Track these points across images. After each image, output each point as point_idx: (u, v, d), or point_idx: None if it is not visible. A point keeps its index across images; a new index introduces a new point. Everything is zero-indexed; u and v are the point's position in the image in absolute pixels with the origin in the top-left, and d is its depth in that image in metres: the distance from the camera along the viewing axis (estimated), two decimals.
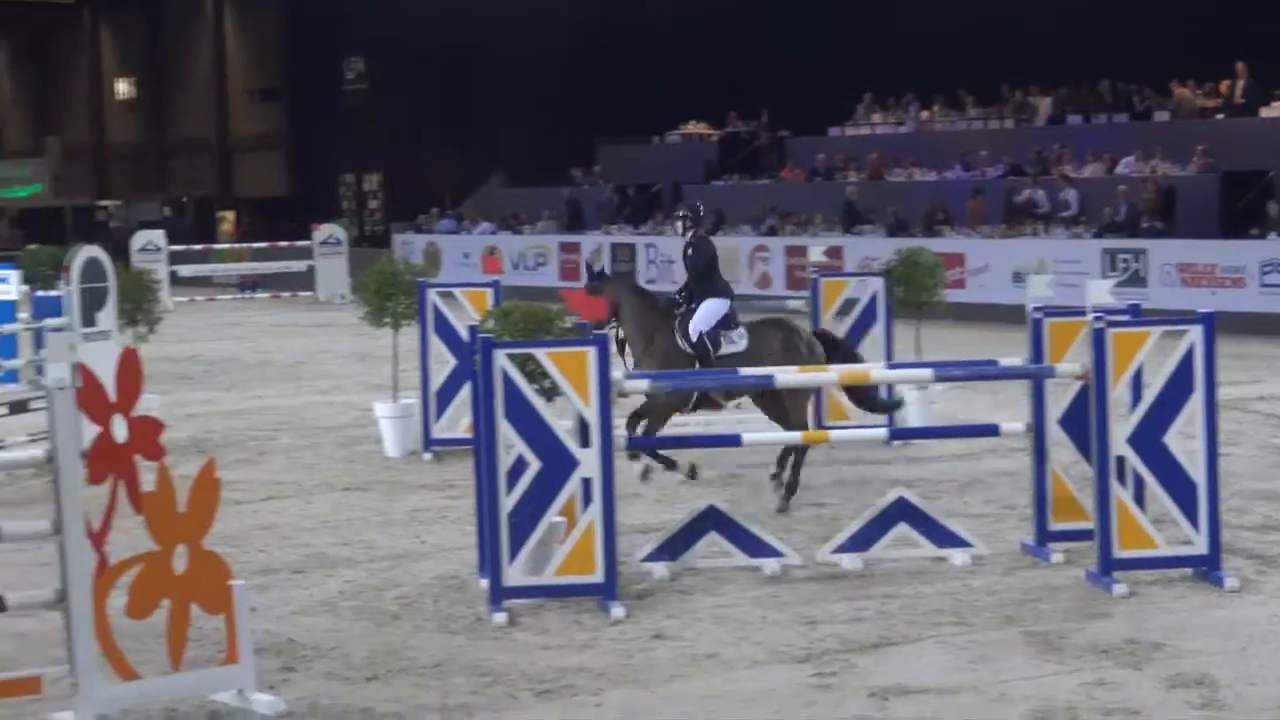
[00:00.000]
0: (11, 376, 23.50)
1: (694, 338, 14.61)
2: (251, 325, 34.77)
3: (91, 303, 17.83)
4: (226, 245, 48.61)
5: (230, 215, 58.47)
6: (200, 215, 57.86)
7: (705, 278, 14.91)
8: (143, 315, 18.64)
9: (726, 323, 14.71)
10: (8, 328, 22.29)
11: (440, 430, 17.04)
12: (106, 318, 17.93)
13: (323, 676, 9.78)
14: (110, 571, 8.72)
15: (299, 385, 23.93)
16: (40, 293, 23.66)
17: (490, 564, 11.00)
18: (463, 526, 13.33)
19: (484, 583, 11.23)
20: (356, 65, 54.97)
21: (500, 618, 10.78)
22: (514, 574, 10.92)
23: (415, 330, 17.21)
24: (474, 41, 49.37)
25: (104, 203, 62.94)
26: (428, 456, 16.90)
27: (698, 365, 14.52)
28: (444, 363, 17.05)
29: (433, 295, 17.15)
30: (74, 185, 62.36)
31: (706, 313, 14.69)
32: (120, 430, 8.80)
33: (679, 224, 15.38)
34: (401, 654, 10.17)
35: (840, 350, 14.87)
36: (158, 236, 40.12)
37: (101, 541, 8.70)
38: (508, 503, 10.88)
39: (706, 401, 14.84)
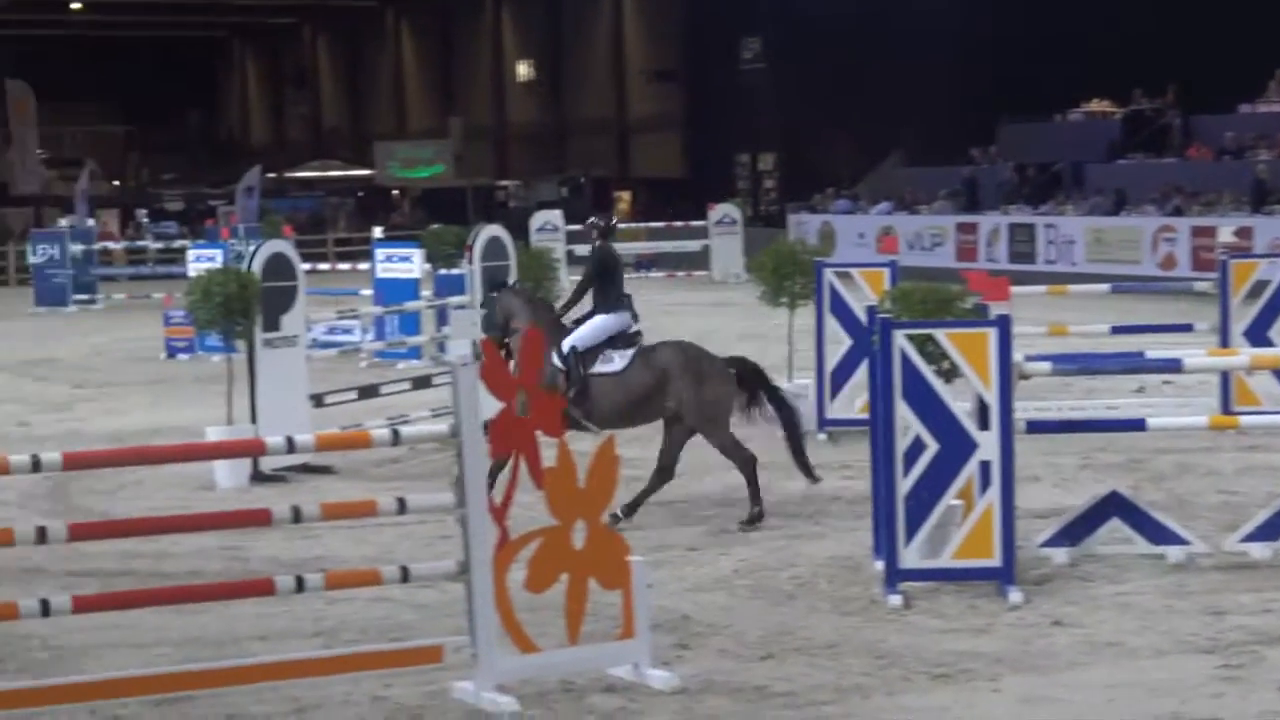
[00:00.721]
0: (415, 353, 24.19)
1: (564, 351, 13.75)
2: (646, 304, 34.71)
3: (493, 281, 18.22)
4: (623, 224, 49.16)
5: (626, 195, 59.18)
6: (597, 195, 58.62)
7: (598, 290, 14.10)
8: (543, 294, 18.92)
9: (614, 341, 13.82)
10: (411, 305, 22.93)
11: (835, 411, 16.95)
12: None
13: (717, 654, 9.79)
14: (511, 545, 8.85)
15: None
16: (442, 271, 24.30)
17: (886, 546, 10.89)
18: (858, 508, 13.21)
19: (879, 564, 11.12)
20: (754, 45, 55.07)
21: (895, 600, 10.66)
22: (910, 556, 10.79)
23: (810, 310, 17.13)
24: (871, 20, 49.05)
25: (503, 183, 64.30)
26: (822, 437, 16.82)
27: (564, 382, 13.57)
28: (839, 343, 16.94)
29: (829, 275, 17.05)
30: (475, 166, 63.76)
31: (590, 328, 13.88)
32: (521, 406, 8.92)
33: (591, 233, 14.64)
34: (796, 633, 10.12)
35: (752, 376, 13.78)
36: (555, 216, 40.82)
37: (503, 515, 8.83)
38: (904, 485, 10.75)
39: (575, 423, 13.60)
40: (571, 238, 40.46)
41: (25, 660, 9.97)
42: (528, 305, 14.31)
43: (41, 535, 8.54)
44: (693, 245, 41.49)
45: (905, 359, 10.72)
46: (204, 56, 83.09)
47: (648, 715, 8.75)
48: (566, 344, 13.75)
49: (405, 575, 9.07)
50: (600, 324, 13.87)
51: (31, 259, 39.47)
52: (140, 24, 76.20)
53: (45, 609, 8.43)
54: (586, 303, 14.20)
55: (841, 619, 10.47)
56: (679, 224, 43.36)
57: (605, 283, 14.14)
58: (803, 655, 9.70)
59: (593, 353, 13.74)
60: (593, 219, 14.92)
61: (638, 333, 13.98)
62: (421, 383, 18.12)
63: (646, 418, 13.77)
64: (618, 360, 13.67)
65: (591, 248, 14.53)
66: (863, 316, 15.68)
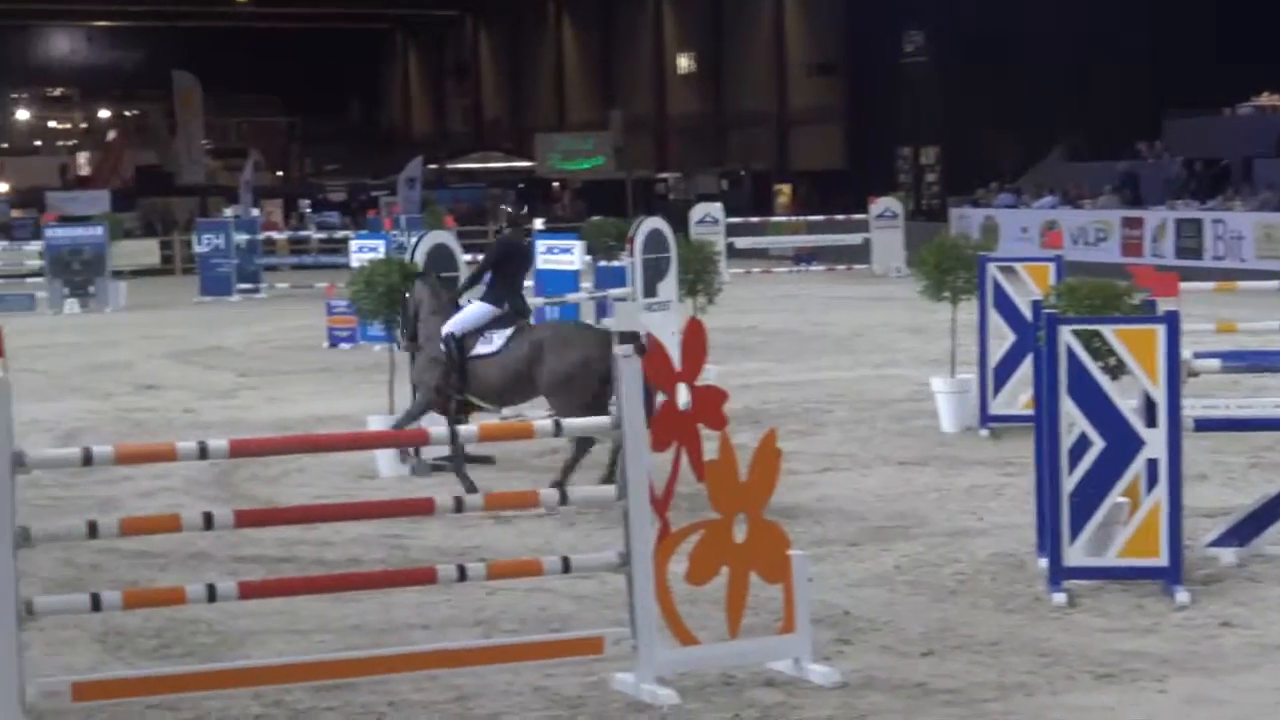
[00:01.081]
0: None
1: (443, 336, 14.18)
2: (806, 298, 35.00)
3: (653, 273, 18.23)
4: (783, 218, 49.08)
5: (787, 188, 59.01)
6: (757, 188, 58.57)
7: (492, 278, 14.38)
8: (703, 286, 18.92)
9: (497, 322, 14.15)
10: (572, 297, 22.95)
11: (998, 406, 16.78)
12: (667, 288, 18.31)
13: (878, 650, 9.72)
14: (672, 537, 8.84)
15: (854, 358, 23.94)
16: (603, 263, 24.32)
17: (1050, 543, 10.76)
18: (1021, 505, 13.07)
19: (1043, 562, 10.99)
20: (915, 38, 54.71)
21: (1059, 598, 10.52)
22: (1074, 554, 10.65)
23: (973, 305, 16.98)
24: (1034, 12, 48.53)
25: (663, 175, 64.37)
26: (984, 433, 16.66)
27: (446, 366, 14.13)
28: (1002, 338, 16.77)
29: (993, 270, 16.88)
30: (635, 158, 63.86)
31: (464, 315, 14.22)
32: (684, 399, 8.90)
33: (501, 220, 14.88)
34: (958, 631, 10.03)
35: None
36: (716, 209, 40.78)
37: (664, 508, 8.82)
38: (1069, 482, 10.61)
39: (470, 405, 14.30)
40: (731, 230, 40.47)
41: (191, 644, 10.10)
42: (432, 294, 14.65)
43: (208, 521, 8.64)
44: (853, 239, 41.34)
45: (1071, 355, 10.59)
46: (367, 48, 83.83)
47: (808, 710, 8.69)
48: (444, 330, 14.17)
49: (566, 566, 9.09)
50: (478, 311, 14.18)
51: (197, 248, 40.05)
52: (305, 16, 77.15)
53: (211, 594, 8.53)
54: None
55: (1004, 616, 10.36)
56: (839, 217, 43.18)
57: (499, 273, 14.41)
58: (964, 652, 9.61)
59: (473, 336, 14.09)
60: (505, 206, 15.39)
61: (521, 315, 14.31)
62: None
63: (526, 394, 14.10)
64: (496, 340, 14.04)
65: (497, 235, 14.73)
66: (1027, 312, 15.49)
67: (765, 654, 9.21)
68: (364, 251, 26.90)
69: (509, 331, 14.05)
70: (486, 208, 60.23)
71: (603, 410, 13.10)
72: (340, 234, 43.61)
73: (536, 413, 14.52)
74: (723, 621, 9.07)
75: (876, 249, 40.75)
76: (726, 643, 9.06)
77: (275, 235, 45.37)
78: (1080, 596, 10.59)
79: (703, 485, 8.93)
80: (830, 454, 16.13)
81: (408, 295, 14.80)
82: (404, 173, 49.53)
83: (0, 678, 7.97)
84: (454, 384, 14.10)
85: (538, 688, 9.07)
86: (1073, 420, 10.62)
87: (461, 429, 9.42)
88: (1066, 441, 10.63)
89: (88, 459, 8.49)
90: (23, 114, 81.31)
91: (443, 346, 14.22)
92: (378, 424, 15.08)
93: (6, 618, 7.97)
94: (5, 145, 77.33)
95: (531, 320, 14.50)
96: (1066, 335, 10.60)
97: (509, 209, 15.33)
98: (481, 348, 14.07)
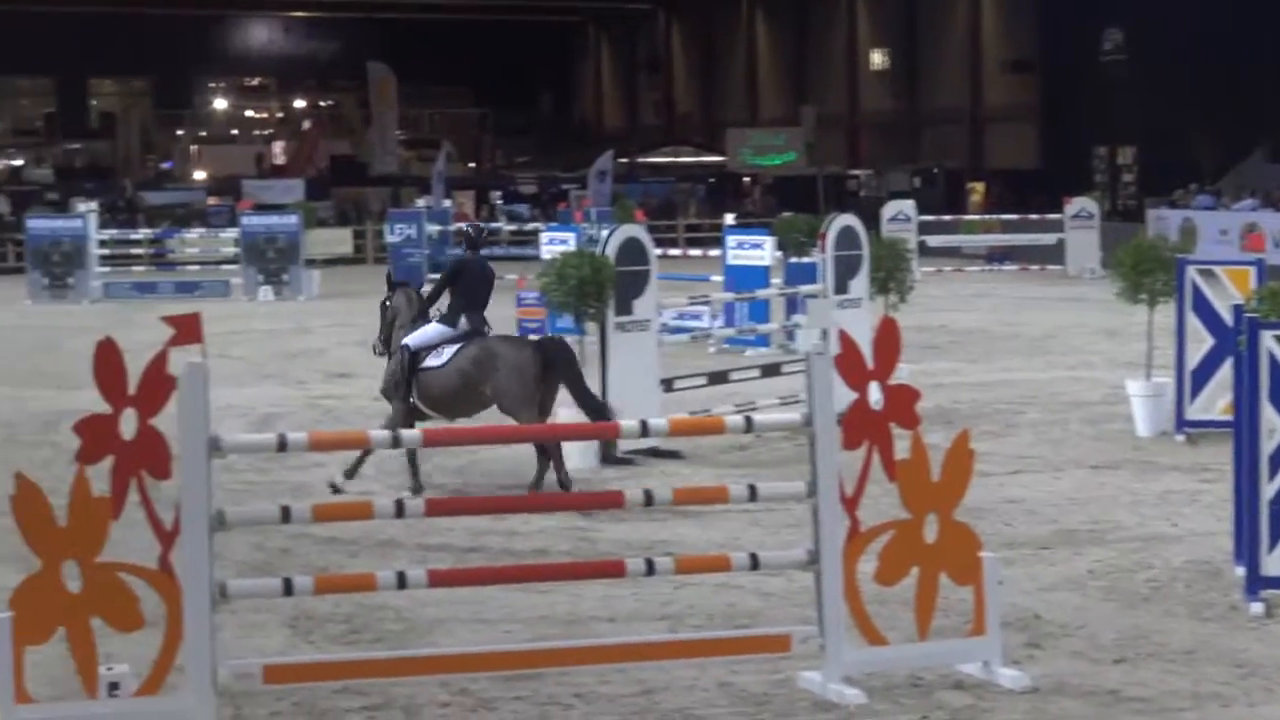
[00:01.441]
0: (763, 340, 24.19)
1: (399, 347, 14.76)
2: (998, 297, 34.66)
3: (845, 271, 18.10)
4: (976, 217, 48.63)
5: (980, 186, 58.47)
6: (950, 186, 58.07)
7: (451, 297, 14.98)
8: (895, 284, 18.75)
9: (446, 342, 14.61)
10: (761, 293, 22.89)
11: (1195, 411, 16.45)
12: (859, 286, 18.17)
13: (1069, 655, 9.57)
14: (862, 536, 8.77)
15: (1047, 360, 23.65)
16: (794, 259, 24.23)
17: (1248, 552, 10.52)
18: (1217, 511, 12.83)
19: (1240, 570, 10.75)
20: (1114, 36, 53.95)
21: (1257, 608, 10.29)
22: (1273, 563, 10.41)
23: (1169, 308, 16.69)
24: (1237, 11, 47.64)
25: (855, 172, 64.04)
26: (1180, 438, 16.36)
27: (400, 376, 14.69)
28: (1200, 341, 16.45)
29: (1192, 272, 16.57)
30: (826, 154, 63.59)
31: (422, 333, 14.74)
32: (877, 397, 8.83)
33: (460, 240, 15.01)
34: (1151, 638, 9.85)
35: (561, 367, 14.11)
36: (908, 206, 40.53)
37: (854, 506, 8.75)
38: (1269, 489, 10.38)
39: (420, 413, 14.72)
40: (924, 228, 40.17)
41: (379, 631, 10.19)
42: (408, 305, 15.12)
43: (399, 509, 8.70)
44: (1047, 239, 40.85)
45: (1273, 360, 10.35)
46: (559, 42, 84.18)
47: (998, 714, 8.58)
48: (402, 342, 14.75)
49: (755, 562, 9.05)
50: (432, 331, 14.72)
51: (389, 238, 40.45)
52: (498, 9, 77.62)
53: (401, 581, 8.59)
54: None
55: (1199, 625, 10.16)
56: (1033, 217, 42.69)
57: (455, 293, 14.98)
58: (1158, 660, 9.43)
59: (426, 351, 14.63)
60: (462, 225, 15.75)
61: (476, 331, 14.68)
62: (771, 370, 18.09)
63: (473, 406, 14.55)
64: (446, 353, 14.52)
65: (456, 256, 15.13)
66: (1227, 315, 15.22)
67: (954, 656, 9.11)
68: (555, 244, 27.08)
69: (455, 347, 14.54)
70: (676, 202, 60.31)
71: (546, 409, 14.17)
72: (530, 226, 43.85)
73: (724, 408, 14.53)
74: (911, 622, 8.99)
75: (1071, 250, 40.24)
76: (915, 644, 8.98)
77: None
78: (1278, 606, 10.35)
79: (893, 485, 8.85)
80: (1022, 456, 15.94)
81: (387, 304, 15.29)
82: (595, 166, 49.66)
83: (194, 659, 8.09)
84: (402, 393, 14.64)
85: (723, 684, 9.03)
86: (1273, 426, 10.39)
87: (653, 422, 9.39)
88: (1267, 448, 10.39)
89: (282, 445, 8.59)
90: (220, 103, 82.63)
91: (397, 356, 14.82)
92: (567, 416, 15.11)
93: (201, 600, 8.08)
94: (203, 134, 78.65)
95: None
96: (1269, 340, 10.37)
97: (468, 228, 15.64)
98: (431, 360, 14.59)
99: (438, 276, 15.64)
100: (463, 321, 14.69)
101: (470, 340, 14.54)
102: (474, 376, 14.30)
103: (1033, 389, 20.38)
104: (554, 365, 14.11)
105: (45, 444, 17.00)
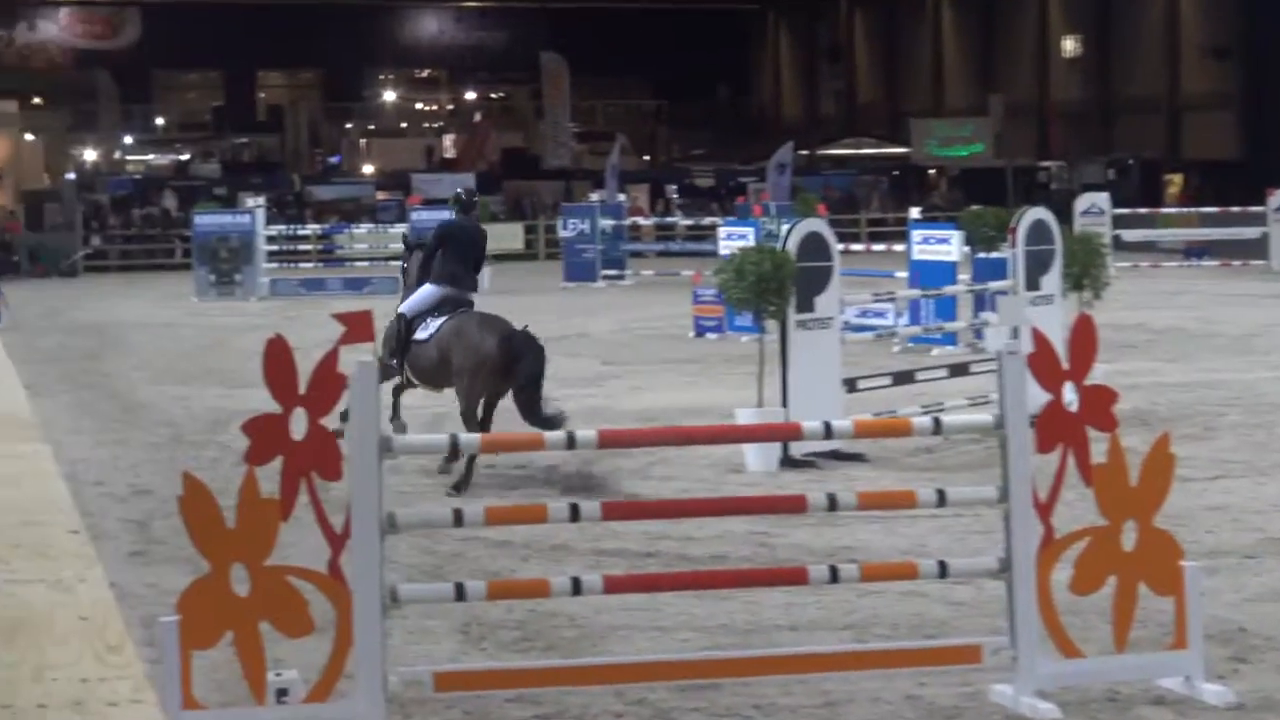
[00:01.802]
0: (950, 339, 23.72)
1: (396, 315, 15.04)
2: (1198, 294, 33.88)
3: (1036, 266, 17.62)
4: (1173, 210, 47.68)
5: (1177, 178, 57.39)
6: (1146, 178, 56.96)
7: (438, 261, 15.05)
8: (1089, 280, 18.18)
9: (440, 308, 14.86)
10: (949, 289, 22.42)
11: None
12: (1051, 282, 17.68)
13: (1276, 670, 9.11)
14: (1056, 544, 8.41)
15: (1250, 359, 22.95)
16: (982, 255, 23.70)
17: None
18: None
19: None
20: None
21: None
22: None
23: None
24: None
25: (1045, 163, 63.06)
26: None
27: (394, 345, 14.96)
28: None
29: None
30: (1015, 145, 62.72)
31: (416, 297, 14.99)
32: (1072, 398, 8.45)
33: (452, 204, 15.67)
34: None
35: (529, 356, 14.23)
36: (1101, 199, 39.82)
37: (1048, 512, 8.39)
38: None
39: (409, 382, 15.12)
40: (1118, 222, 39.39)
41: (552, 638, 9.94)
42: (417, 270, 15.35)
43: (574, 513, 8.45)
44: (1250, 233, 39.86)
45: None
46: (736, 31, 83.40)
47: None
48: (398, 309, 15.07)
49: (943, 570, 8.70)
50: (425, 293, 14.95)
51: (561, 233, 40.37)
52: None
53: (576, 587, 8.35)
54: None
55: None
56: (1235, 209, 41.71)
57: (444, 256, 15.08)
58: None
59: (419, 319, 14.86)
60: (457, 189, 16.02)
61: (466, 301, 14.99)
62: (959, 370, 17.63)
63: (449, 380, 14.69)
64: (431, 326, 14.74)
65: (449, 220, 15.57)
66: None
67: (1154, 670, 8.70)
68: (733, 239, 26.79)
69: (440, 321, 14.72)
70: (859, 195, 59.74)
71: (492, 401, 14.41)
72: (707, 221, 43.50)
73: (910, 409, 14.17)
74: (1107, 634, 8.60)
75: (1275, 244, 39.27)
76: (1112, 656, 8.59)
77: (641, 221, 45.49)
78: None
79: (1089, 490, 8.46)
80: (1224, 460, 15.37)
81: (404, 266, 15.72)
82: (774, 158, 49.20)
83: (365, 665, 7.93)
84: (396, 364, 14.88)
85: (910, 696, 8.69)
86: None
87: (836, 424, 9.07)
88: None
89: (454, 446, 8.38)
90: (389, 95, 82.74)
91: (393, 321, 15.06)
92: (746, 417, 14.80)
93: (372, 605, 7.90)
94: (372, 126, 78.75)
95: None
96: None
97: (460, 191, 15.65)
98: (420, 333, 14.81)
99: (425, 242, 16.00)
100: (449, 288, 14.93)
101: (454, 314, 14.75)
102: (446, 351, 14.53)
103: (1235, 390, 19.73)
104: (520, 359, 14.25)
105: (213, 444, 16.96)
